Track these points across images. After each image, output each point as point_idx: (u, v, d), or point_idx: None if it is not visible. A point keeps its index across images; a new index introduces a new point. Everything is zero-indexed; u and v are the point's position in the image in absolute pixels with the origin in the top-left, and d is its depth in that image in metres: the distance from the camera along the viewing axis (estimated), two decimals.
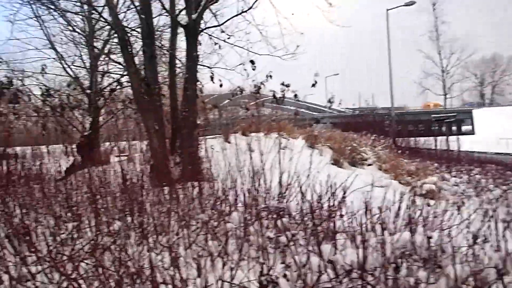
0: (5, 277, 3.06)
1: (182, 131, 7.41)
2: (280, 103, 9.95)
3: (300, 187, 3.97)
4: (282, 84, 7.01)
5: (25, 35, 10.43)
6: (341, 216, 3.42)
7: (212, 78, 5.61)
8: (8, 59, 10.23)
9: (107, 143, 11.52)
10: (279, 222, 3.46)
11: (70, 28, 10.37)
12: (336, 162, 10.12)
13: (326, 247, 2.76)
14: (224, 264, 2.82)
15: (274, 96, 7.96)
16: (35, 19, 10.14)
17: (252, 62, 4.87)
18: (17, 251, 3.03)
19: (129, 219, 3.76)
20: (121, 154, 11.94)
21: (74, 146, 11.61)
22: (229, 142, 9.40)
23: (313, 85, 4.87)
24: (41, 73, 10.19)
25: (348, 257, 2.55)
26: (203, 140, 7.75)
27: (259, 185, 4.45)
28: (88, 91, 11.28)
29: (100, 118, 11.56)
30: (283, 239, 3.05)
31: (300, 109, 19.25)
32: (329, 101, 11.86)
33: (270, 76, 4.89)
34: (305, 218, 3.44)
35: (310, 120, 23.20)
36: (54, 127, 11.78)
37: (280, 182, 4.44)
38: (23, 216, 3.68)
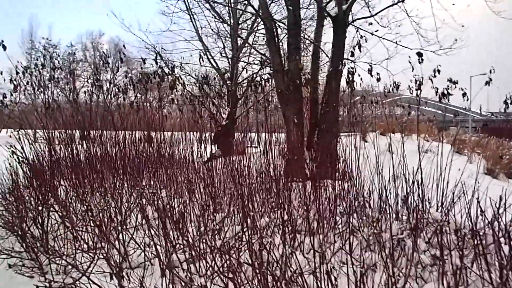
0: (155, 261, 3.10)
1: (321, 126, 7.12)
2: (417, 103, 8.94)
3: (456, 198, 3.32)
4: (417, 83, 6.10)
5: (176, 27, 11.30)
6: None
7: (370, 71, 5.10)
8: (160, 50, 11.32)
9: (243, 134, 11.81)
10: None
11: (218, 19, 10.82)
12: (490, 172, 8.78)
13: None
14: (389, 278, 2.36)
15: (417, 94, 7.06)
16: (187, 12, 10.96)
17: (419, 54, 4.22)
18: (168, 236, 3.03)
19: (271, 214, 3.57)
20: (255, 146, 12.19)
21: (210, 135, 12.22)
22: (366, 141, 8.81)
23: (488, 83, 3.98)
24: (187, 63, 10.93)
25: None
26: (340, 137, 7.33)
27: (412, 192, 3.88)
28: (229, 82, 11.75)
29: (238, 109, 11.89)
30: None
31: (437, 111, 17.46)
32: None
33: (438, 71, 4.18)
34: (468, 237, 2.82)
35: (447, 123, 20.85)
36: (192, 115, 12.56)
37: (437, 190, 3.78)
38: (170, 200, 3.75)
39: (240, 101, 12.06)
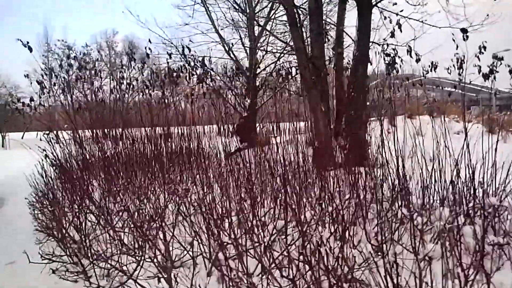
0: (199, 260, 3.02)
1: (349, 112, 6.92)
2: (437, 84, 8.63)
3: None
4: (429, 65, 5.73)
5: (192, 20, 11.17)
6: None
7: (409, 52, 4.86)
8: (177, 44, 11.21)
9: (266, 124, 11.67)
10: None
11: (234, 9, 10.65)
12: None
13: None
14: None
15: (459, 74, 6.76)
16: (202, 4, 10.82)
17: (464, 30, 3.96)
18: (213, 234, 2.94)
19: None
20: (279, 136, 12.05)
21: (229, 126, 12.10)
22: (394, 126, 8.57)
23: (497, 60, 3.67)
24: (207, 56, 10.81)
25: None
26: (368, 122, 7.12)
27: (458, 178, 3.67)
28: (247, 73, 11.59)
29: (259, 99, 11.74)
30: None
31: (456, 90, 16.85)
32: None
33: (484, 48, 3.91)
34: None
35: (468, 103, 20.20)
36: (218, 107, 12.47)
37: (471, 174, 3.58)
38: (205, 196, 3.64)
39: (260, 91, 11.91)
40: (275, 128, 11.68)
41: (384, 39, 6.00)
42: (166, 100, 5.59)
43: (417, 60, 4.85)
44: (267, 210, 3.26)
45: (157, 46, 10.00)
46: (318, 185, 4.21)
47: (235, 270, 2.64)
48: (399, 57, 4.96)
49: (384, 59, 4.94)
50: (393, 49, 4.99)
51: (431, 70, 4.88)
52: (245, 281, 2.49)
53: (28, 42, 4.36)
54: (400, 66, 5.10)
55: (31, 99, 5.24)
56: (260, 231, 3.04)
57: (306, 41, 7.39)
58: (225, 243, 2.93)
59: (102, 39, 30.45)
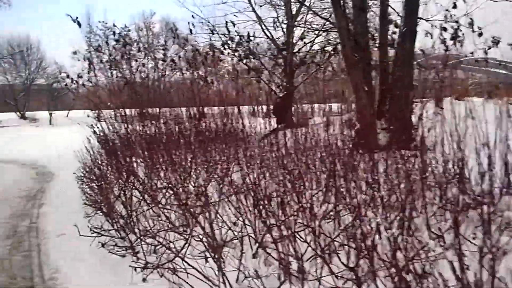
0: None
1: (393, 93, 6.63)
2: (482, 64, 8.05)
3: None
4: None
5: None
6: None
7: (471, 25, 4.54)
8: (214, 23, 11.10)
9: (305, 105, 11.47)
10: None
11: None
12: None
13: None
14: None
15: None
16: None
17: None
18: (261, 215, 2.90)
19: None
20: (311, 117, 11.83)
21: (264, 107, 11.96)
22: (441, 108, 8.20)
23: None
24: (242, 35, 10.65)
25: None
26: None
27: None
28: (284, 52, 11.35)
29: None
30: None
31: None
32: None
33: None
34: None
35: None
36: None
37: None
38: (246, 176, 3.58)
39: (297, 71, 11.66)
40: (313, 109, 11.48)
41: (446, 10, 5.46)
42: (206, 79, 5.55)
43: (480, 34, 4.50)
44: (315, 193, 3.18)
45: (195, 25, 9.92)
46: (363, 169, 4.08)
47: (283, 253, 2.59)
48: (460, 30, 4.62)
49: (441, 34, 4.62)
50: (455, 22, 4.64)
51: (493, 46, 4.54)
52: (295, 265, 2.43)
53: (77, 18, 4.41)
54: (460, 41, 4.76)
55: (79, 76, 5.34)
56: (308, 213, 2.97)
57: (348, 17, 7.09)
58: (271, 225, 2.89)
59: (139, 20, 30.74)
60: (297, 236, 2.64)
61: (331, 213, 2.99)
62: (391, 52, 7.18)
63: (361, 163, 4.34)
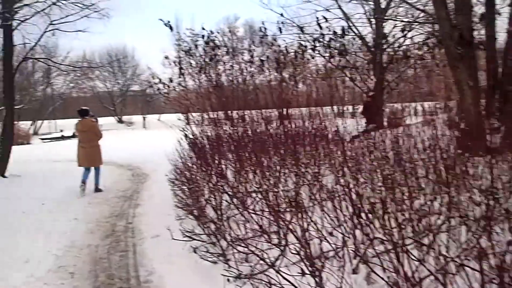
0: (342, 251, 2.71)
1: (505, 89, 5.87)
2: None
3: None
4: None
5: None
6: None
7: None
8: (299, 23, 10.89)
9: (395, 105, 10.79)
10: None
11: None
12: None
13: None
14: None
15: None
16: None
17: None
18: (362, 226, 2.61)
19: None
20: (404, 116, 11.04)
21: (353, 107, 11.44)
22: None
23: None
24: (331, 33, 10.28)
25: None
26: None
27: None
28: (373, 49, 10.75)
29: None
30: None
31: None
32: None
33: None
34: None
35: None
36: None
37: None
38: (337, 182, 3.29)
39: (388, 68, 10.96)
40: (406, 108, 10.69)
41: None
42: (295, 79, 5.37)
43: None
44: (424, 202, 2.80)
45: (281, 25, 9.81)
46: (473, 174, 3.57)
47: (389, 270, 2.28)
48: None
49: None
50: None
51: None
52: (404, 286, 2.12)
53: (168, 21, 4.52)
54: None
55: (170, 80, 5.51)
56: (416, 225, 2.61)
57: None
58: (374, 237, 2.59)
59: (224, 25, 31.77)
60: (408, 251, 2.31)
61: (444, 226, 2.59)
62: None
63: (470, 168, 3.82)
